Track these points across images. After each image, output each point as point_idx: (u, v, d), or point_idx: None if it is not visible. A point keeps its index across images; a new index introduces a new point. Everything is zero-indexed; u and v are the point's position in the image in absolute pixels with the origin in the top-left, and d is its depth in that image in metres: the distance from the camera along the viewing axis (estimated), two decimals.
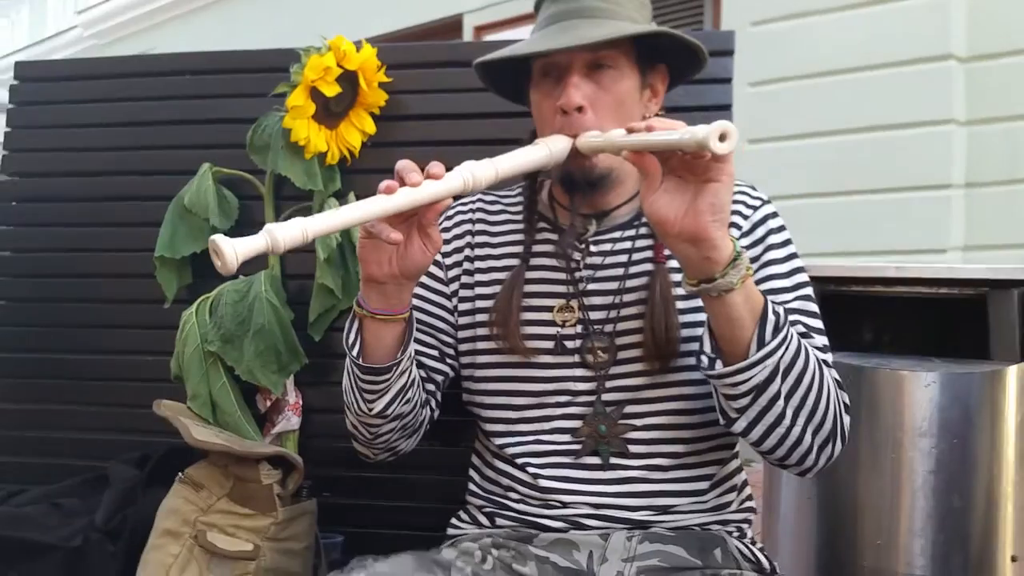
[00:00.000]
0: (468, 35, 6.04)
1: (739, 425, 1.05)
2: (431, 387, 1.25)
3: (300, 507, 1.39)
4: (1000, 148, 4.11)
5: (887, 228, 4.11)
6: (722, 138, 0.85)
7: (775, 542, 1.63)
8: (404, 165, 0.98)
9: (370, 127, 1.63)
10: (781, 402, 1.02)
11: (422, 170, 0.99)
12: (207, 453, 1.41)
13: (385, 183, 0.97)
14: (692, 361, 1.14)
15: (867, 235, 4.12)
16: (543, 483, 1.16)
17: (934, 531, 1.45)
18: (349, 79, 1.57)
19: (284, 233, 0.87)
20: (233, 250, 0.84)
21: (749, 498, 1.25)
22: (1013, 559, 1.47)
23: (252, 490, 1.31)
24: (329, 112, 1.58)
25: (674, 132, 0.91)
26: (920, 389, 1.45)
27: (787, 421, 1.03)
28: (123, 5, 9.56)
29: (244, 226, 1.66)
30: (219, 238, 0.84)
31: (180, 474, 1.37)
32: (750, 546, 1.19)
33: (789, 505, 1.61)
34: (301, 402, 1.63)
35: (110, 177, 1.81)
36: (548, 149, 1.10)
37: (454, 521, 1.28)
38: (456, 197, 1.03)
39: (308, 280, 1.63)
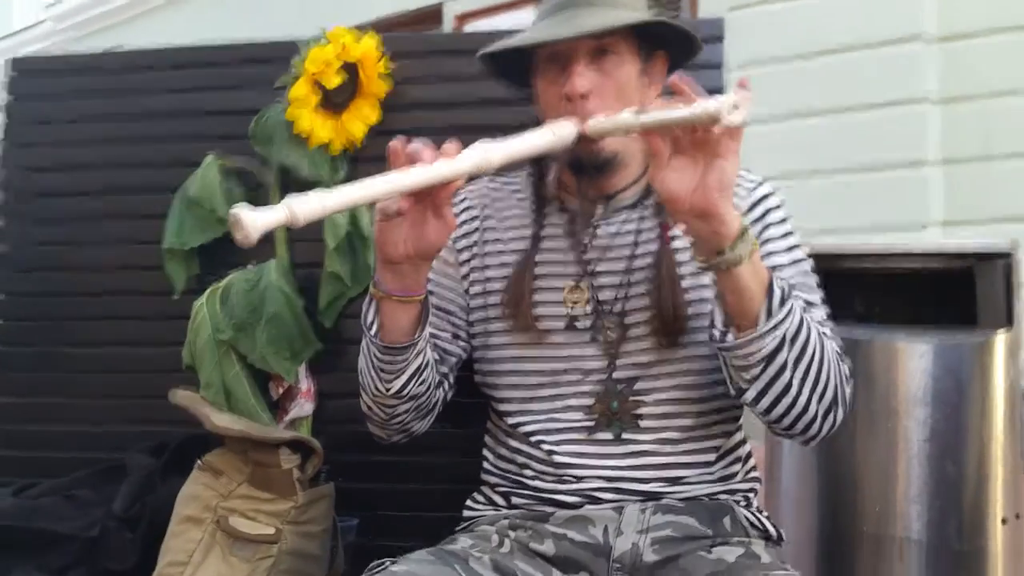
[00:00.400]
0: (448, 23, 6.05)
1: (749, 395, 1.10)
2: (444, 368, 1.28)
3: (319, 491, 1.42)
4: (974, 125, 4.20)
5: (867, 206, 4.19)
6: (735, 109, 0.89)
7: (778, 512, 1.69)
8: (417, 147, 1.00)
9: (373, 116, 1.65)
10: (788, 371, 1.06)
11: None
12: (223, 441, 1.44)
13: (399, 164, 1.00)
14: (699, 337, 1.18)
15: (848, 214, 4.20)
16: (557, 458, 1.20)
17: (930, 497, 1.51)
18: (351, 69, 1.59)
19: (303, 206, 0.88)
20: (254, 221, 0.84)
21: (753, 468, 1.30)
22: (1003, 521, 1.53)
23: (272, 475, 1.34)
24: (332, 102, 1.61)
25: (685, 108, 0.94)
26: (914, 360, 1.51)
27: (793, 390, 1.08)
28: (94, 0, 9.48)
29: None
30: (241, 210, 0.85)
31: (199, 461, 1.40)
32: (757, 514, 1.24)
33: (790, 476, 1.67)
34: (314, 388, 1.66)
35: (112, 170, 1.82)
36: (555, 134, 1.13)
37: (469, 503, 1.32)
38: (470, 178, 1.06)
39: (316, 268, 1.65)
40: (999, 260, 1.57)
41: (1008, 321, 1.56)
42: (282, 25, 1.71)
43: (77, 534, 1.41)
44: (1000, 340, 1.54)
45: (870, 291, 1.83)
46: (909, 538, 1.51)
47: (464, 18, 5.97)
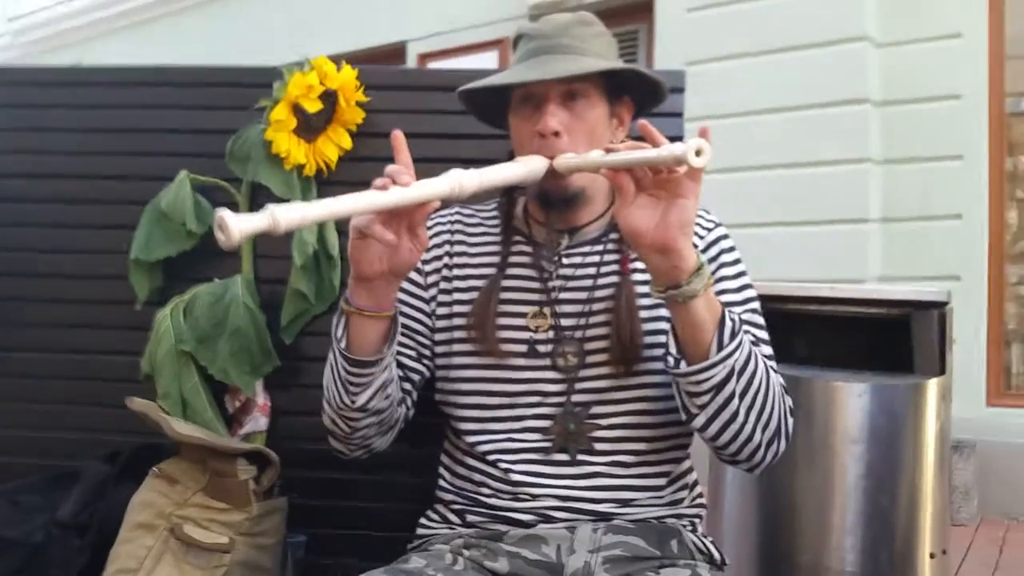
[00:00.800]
0: (412, 62, 6.15)
1: (699, 421, 1.15)
2: (407, 386, 1.32)
3: (272, 503, 1.44)
4: (913, 186, 4.37)
5: (809, 259, 4.31)
6: (698, 153, 0.96)
7: (720, 540, 1.73)
8: (396, 168, 1.06)
9: (347, 142, 1.70)
10: (736, 400, 1.12)
11: None
12: (179, 450, 1.45)
13: (380, 180, 1.04)
14: (654, 365, 1.24)
15: (790, 266, 4.30)
16: (514, 477, 1.24)
17: (863, 529, 1.57)
18: (329, 97, 1.64)
19: (286, 214, 0.91)
20: (238, 226, 0.88)
21: (700, 495, 1.35)
22: (931, 556, 1.60)
23: (229, 485, 1.35)
24: (309, 127, 1.65)
25: (652, 150, 1.01)
26: (852, 399, 1.59)
27: (740, 418, 1.13)
28: (56, 16, 9.39)
29: None
30: (226, 213, 0.87)
31: (154, 468, 1.40)
32: (702, 539, 1.28)
33: (732, 506, 1.73)
34: (270, 404, 1.67)
35: (82, 180, 1.83)
36: (527, 167, 1.20)
37: (423, 521, 1.34)
38: (443, 202, 1.11)
39: (280, 285, 1.68)
40: (934, 309, 1.66)
41: (941, 369, 1.65)
42: (249, 54, 1.74)
43: (22, 539, 1.39)
44: (933, 385, 1.62)
45: (813, 334, 1.91)
46: (844, 569, 1.58)
47: (426, 57, 6.07)
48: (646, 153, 1.02)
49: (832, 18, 4.46)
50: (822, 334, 1.89)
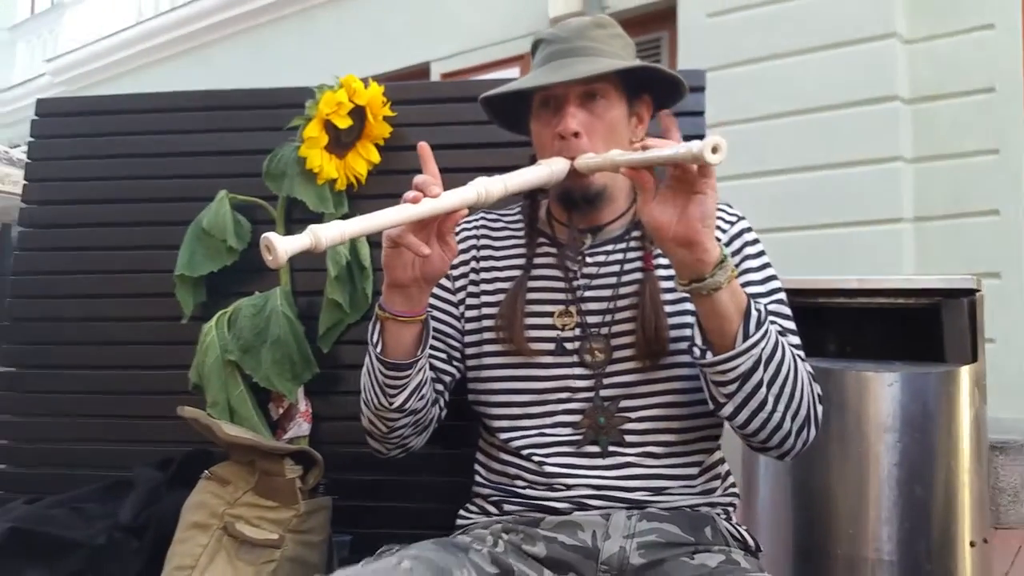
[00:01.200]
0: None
1: (727, 410, 1.18)
2: (439, 387, 1.36)
3: (318, 502, 1.49)
4: (946, 183, 4.33)
5: (843, 261, 4.28)
6: (714, 150, 0.99)
7: (755, 532, 1.75)
8: (424, 180, 1.11)
9: (375, 157, 1.76)
10: (763, 389, 1.15)
11: None
12: (228, 455, 1.51)
13: (410, 194, 1.10)
14: (681, 358, 1.27)
15: (823, 269, 4.28)
16: (548, 468, 1.27)
17: (899, 519, 1.58)
18: (358, 113, 1.70)
19: (326, 233, 0.98)
20: (283, 246, 0.95)
21: (733, 485, 1.37)
22: (971, 544, 1.60)
23: (277, 484, 1.41)
24: (339, 143, 1.72)
25: (670, 148, 1.05)
26: (884, 388, 1.60)
27: (769, 406, 1.16)
28: (91, 54, 9.67)
29: (256, 247, 1.77)
30: (272, 236, 0.95)
31: (206, 471, 1.47)
32: (737, 526, 1.31)
33: (766, 498, 1.74)
34: (311, 410, 1.73)
35: (128, 204, 1.92)
36: (549, 169, 1.24)
37: (462, 512, 1.38)
38: (470, 209, 1.16)
39: (317, 297, 1.74)
40: (964, 297, 1.67)
41: (973, 356, 1.65)
42: (284, 78, 1.81)
43: (86, 541, 1.46)
44: (965, 372, 1.63)
45: (845, 328, 1.92)
46: (881, 559, 1.58)
47: (449, 76, 6.15)
48: (663, 152, 1.06)
49: (858, 16, 4.44)
50: (853, 327, 1.91)
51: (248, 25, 7.92)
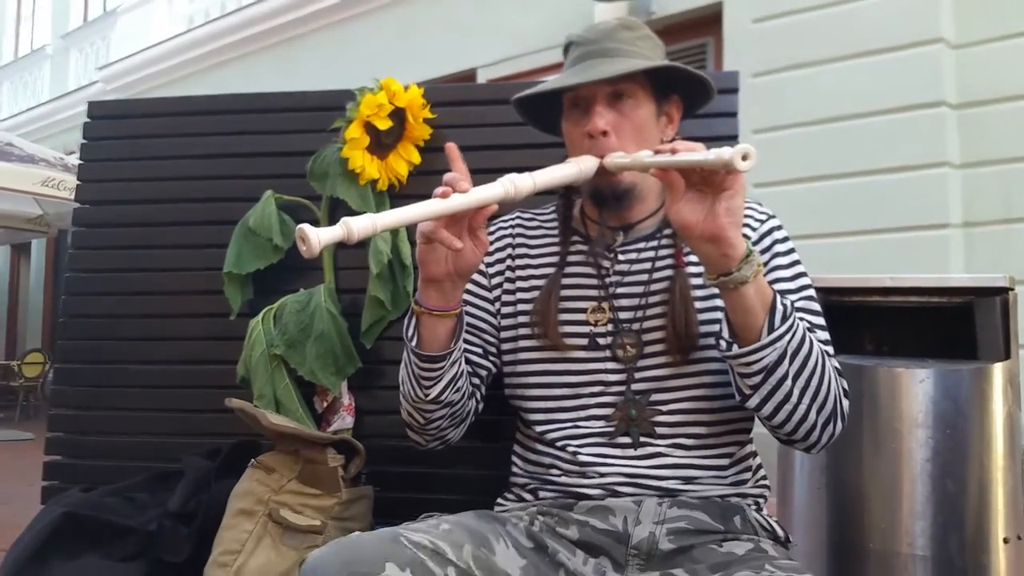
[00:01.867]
0: None
1: (753, 401, 1.21)
2: (476, 381, 1.41)
3: (360, 490, 1.55)
4: (994, 188, 4.29)
5: (890, 267, 4.25)
6: (744, 158, 1.03)
7: (790, 530, 1.76)
8: (454, 176, 1.16)
9: (416, 158, 1.82)
10: (789, 382, 1.18)
11: None
12: (274, 445, 1.57)
13: (440, 189, 1.15)
14: (710, 353, 1.30)
15: (870, 275, 4.25)
16: (582, 458, 1.31)
17: (932, 514, 1.59)
18: (398, 115, 1.76)
19: (358, 224, 1.03)
20: (317, 236, 1.00)
21: (764, 477, 1.39)
22: (1005, 541, 1.61)
23: (320, 472, 1.47)
24: (380, 144, 1.77)
25: (699, 153, 1.09)
26: (915, 384, 1.61)
27: (794, 399, 1.19)
28: (142, 61, 9.94)
29: None
30: (306, 226, 1.00)
31: (253, 460, 1.53)
32: (767, 517, 1.33)
33: (801, 495, 1.76)
34: (354, 404, 1.79)
35: (177, 204, 2.00)
36: (578, 167, 1.28)
37: (499, 501, 1.42)
38: (500, 205, 1.20)
39: (360, 294, 1.80)
40: (996, 296, 1.67)
41: (1006, 353, 1.66)
42: (334, 86, 1.88)
43: (138, 528, 1.53)
44: (998, 370, 1.64)
45: (880, 327, 1.93)
46: (914, 554, 1.59)
47: (496, 82, 6.23)
48: (693, 156, 1.09)
49: (905, 21, 4.43)
50: (890, 326, 1.91)
51: (294, 34, 8.10)
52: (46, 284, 12.42)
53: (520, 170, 1.23)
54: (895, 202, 4.39)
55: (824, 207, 4.55)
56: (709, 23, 5.19)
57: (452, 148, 1.22)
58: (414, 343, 1.28)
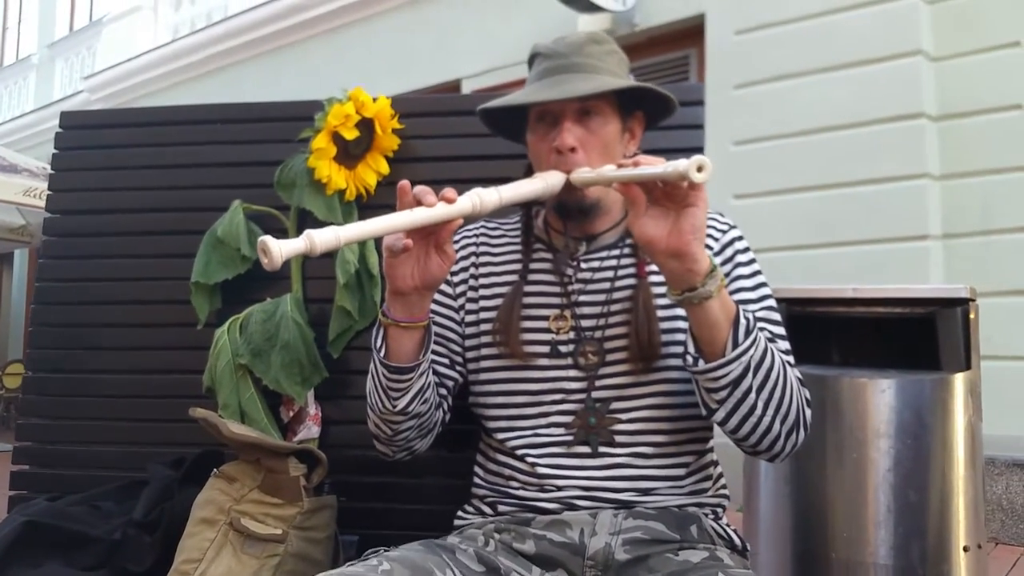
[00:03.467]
0: None
1: (719, 416, 1.22)
2: (443, 391, 1.42)
3: (322, 500, 1.55)
4: (973, 201, 4.31)
5: (869, 279, 4.28)
6: (699, 169, 1.04)
7: (755, 539, 1.78)
8: (421, 189, 1.17)
9: (384, 168, 1.82)
10: (753, 395, 1.19)
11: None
12: (237, 455, 1.57)
13: (406, 202, 1.15)
14: (672, 362, 1.31)
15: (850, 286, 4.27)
16: (540, 470, 1.32)
17: (894, 523, 1.60)
18: (367, 125, 1.77)
19: (321, 237, 1.03)
20: (279, 249, 1.00)
21: (723, 487, 1.40)
22: (965, 549, 1.62)
23: (281, 481, 1.47)
24: (348, 154, 1.78)
25: (658, 166, 1.10)
26: (878, 394, 1.63)
27: (759, 411, 1.20)
28: (127, 71, 9.91)
29: None
30: (268, 239, 1.00)
31: (215, 470, 1.53)
32: (724, 526, 1.34)
33: (766, 504, 1.77)
34: (320, 414, 1.79)
35: (146, 214, 2.00)
36: (544, 182, 1.29)
37: (460, 513, 1.43)
38: (466, 219, 1.21)
39: (327, 304, 1.81)
40: (958, 307, 1.69)
41: (967, 364, 1.68)
42: (317, 96, 1.89)
43: (102, 537, 1.53)
44: (959, 380, 1.65)
45: (846, 338, 1.95)
46: (876, 563, 1.60)
47: (480, 92, 6.25)
48: (652, 169, 1.10)
49: (886, 34, 4.46)
50: (855, 337, 1.93)
51: (280, 44, 8.09)
52: (28, 295, 12.35)
53: (487, 180, 1.25)
54: (875, 214, 4.41)
55: (804, 219, 4.57)
56: (692, 35, 5.22)
57: (404, 186, 1.17)
58: (382, 354, 1.28)
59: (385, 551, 1.20)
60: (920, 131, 4.38)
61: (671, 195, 1.12)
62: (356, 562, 1.17)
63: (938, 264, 4.35)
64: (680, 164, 1.05)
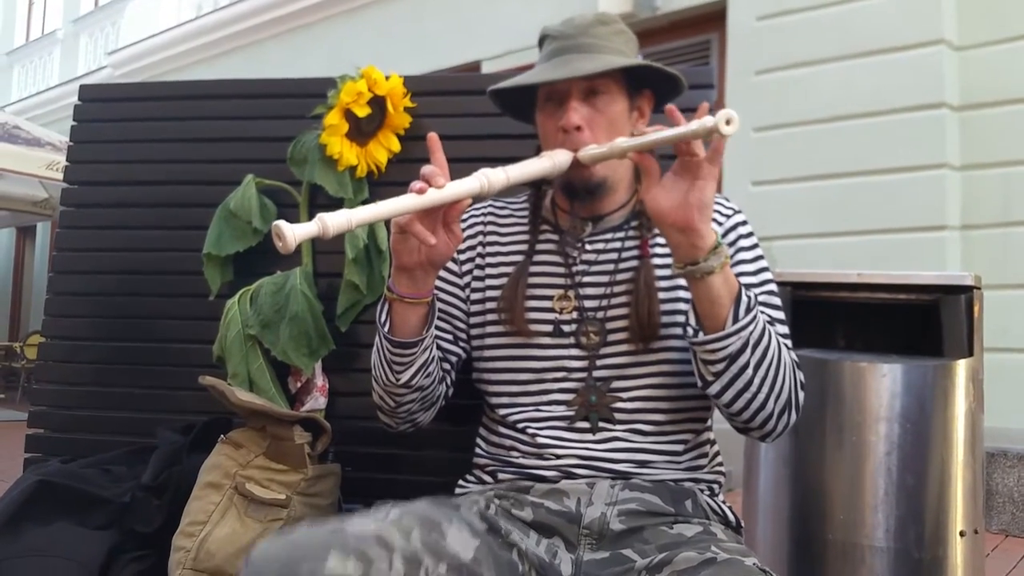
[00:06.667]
0: None
1: (714, 388, 1.24)
2: (446, 366, 1.44)
3: (326, 467, 1.58)
4: (993, 192, 4.29)
5: (886, 267, 4.24)
6: (728, 122, 1.06)
7: (754, 520, 1.80)
8: (430, 170, 1.19)
9: (395, 145, 1.85)
10: (750, 370, 1.21)
11: None
12: (245, 422, 1.61)
13: (416, 184, 1.17)
14: (672, 343, 1.33)
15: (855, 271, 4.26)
16: (540, 440, 1.34)
17: (891, 507, 1.61)
18: (379, 103, 1.79)
19: (333, 220, 1.05)
20: (292, 232, 1.02)
21: (720, 464, 1.42)
22: (962, 534, 1.63)
23: (286, 448, 1.50)
24: (360, 131, 1.80)
25: (683, 125, 1.12)
26: (878, 379, 1.64)
27: (754, 387, 1.22)
28: (150, 47, 9.98)
29: None
30: (281, 223, 1.02)
31: (222, 436, 1.57)
32: (720, 503, 1.36)
33: (765, 485, 1.78)
34: (327, 385, 1.82)
35: (161, 186, 2.04)
36: (552, 161, 1.31)
37: (461, 483, 1.46)
38: (474, 199, 1.23)
39: (336, 278, 1.84)
40: (962, 294, 1.70)
41: (969, 351, 1.68)
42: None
43: (112, 499, 1.57)
44: (961, 367, 1.66)
45: (851, 323, 1.96)
46: (873, 546, 1.62)
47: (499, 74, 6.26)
48: (677, 130, 1.12)
49: (908, 22, 4.43)
50: (860, 323, 1.94)
51: (302, 23, 8.12)
52: (50, 267, 12.48)
53: (498, 160, 1.26)
54: (894, 203, 4.39)
55: (822, 206, 4.56)
56: (713, 20, 5.20)
57: (433, 138, 1.25)
58: (386, 329, 1.31)
59: (394, 503, 1.24)
60: (941, 121, 4.35)
61: (687, 166, 1.14)
62: (366, 511, 1.19)
63: (955, 255, 4.33)
64: (707, 120, 1.07)
